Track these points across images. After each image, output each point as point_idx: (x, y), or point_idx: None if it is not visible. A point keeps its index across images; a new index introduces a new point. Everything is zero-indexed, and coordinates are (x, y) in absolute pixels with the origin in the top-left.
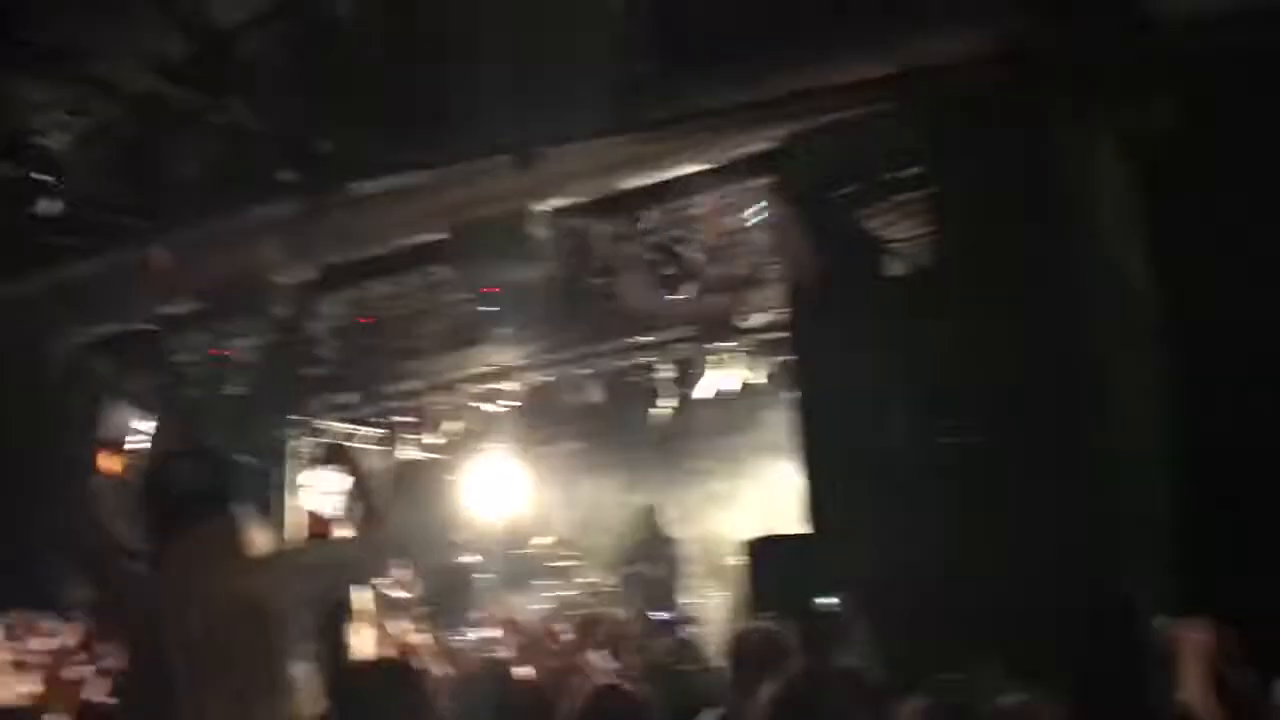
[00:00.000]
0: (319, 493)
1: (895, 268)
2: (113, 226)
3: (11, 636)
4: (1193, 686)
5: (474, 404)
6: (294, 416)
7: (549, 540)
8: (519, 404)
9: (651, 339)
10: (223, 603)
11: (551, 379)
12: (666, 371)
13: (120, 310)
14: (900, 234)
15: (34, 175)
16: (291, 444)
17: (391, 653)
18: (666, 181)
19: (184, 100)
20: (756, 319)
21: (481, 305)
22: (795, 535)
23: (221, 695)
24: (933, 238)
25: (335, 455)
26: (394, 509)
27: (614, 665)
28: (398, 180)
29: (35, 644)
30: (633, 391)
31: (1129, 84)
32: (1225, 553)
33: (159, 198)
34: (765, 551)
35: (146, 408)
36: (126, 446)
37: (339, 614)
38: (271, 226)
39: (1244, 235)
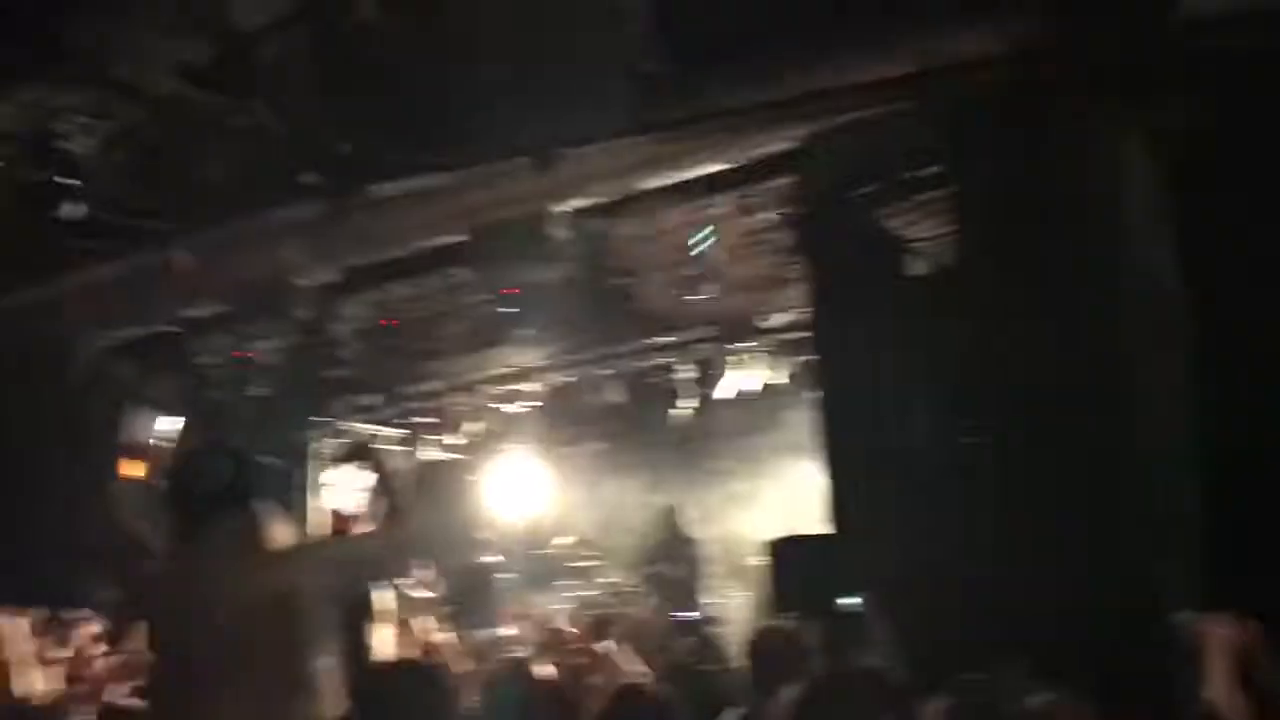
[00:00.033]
0: (341, 489)
1: (916, 267)
2: (135, 230)
3: (36, 634)
4: (1218, 682)
5: (495, 405)
6: (316, 418)
7: (570, 540)
8: (540, 405)
9: (672, 339)
10: (246, 598)
11: (572, 380)
12: (687, 372)
13: (143, 313)
14: (921, 233)
15: (57, 179)
16: (314, 445)
17: (414, 653)
18: (687, 182)
19: (206, 103)
20: (777, 319)
21: (502, 307)
22: (817, 535)
23: (245, 692)
24: (954, 237)
25: (357, 452)
26: (416, 505)
27: (636, 665)
28: (418, 182)
29: (59, 641)
30: (653, 392)
31: (1151, 82)
32: (1253, 550)
33: (181, 201)
34: (786, 552)
35: (169, 410)
36: (149, 449)
37: (362, 614)
38: (293, 229)
39: (1272, 235)
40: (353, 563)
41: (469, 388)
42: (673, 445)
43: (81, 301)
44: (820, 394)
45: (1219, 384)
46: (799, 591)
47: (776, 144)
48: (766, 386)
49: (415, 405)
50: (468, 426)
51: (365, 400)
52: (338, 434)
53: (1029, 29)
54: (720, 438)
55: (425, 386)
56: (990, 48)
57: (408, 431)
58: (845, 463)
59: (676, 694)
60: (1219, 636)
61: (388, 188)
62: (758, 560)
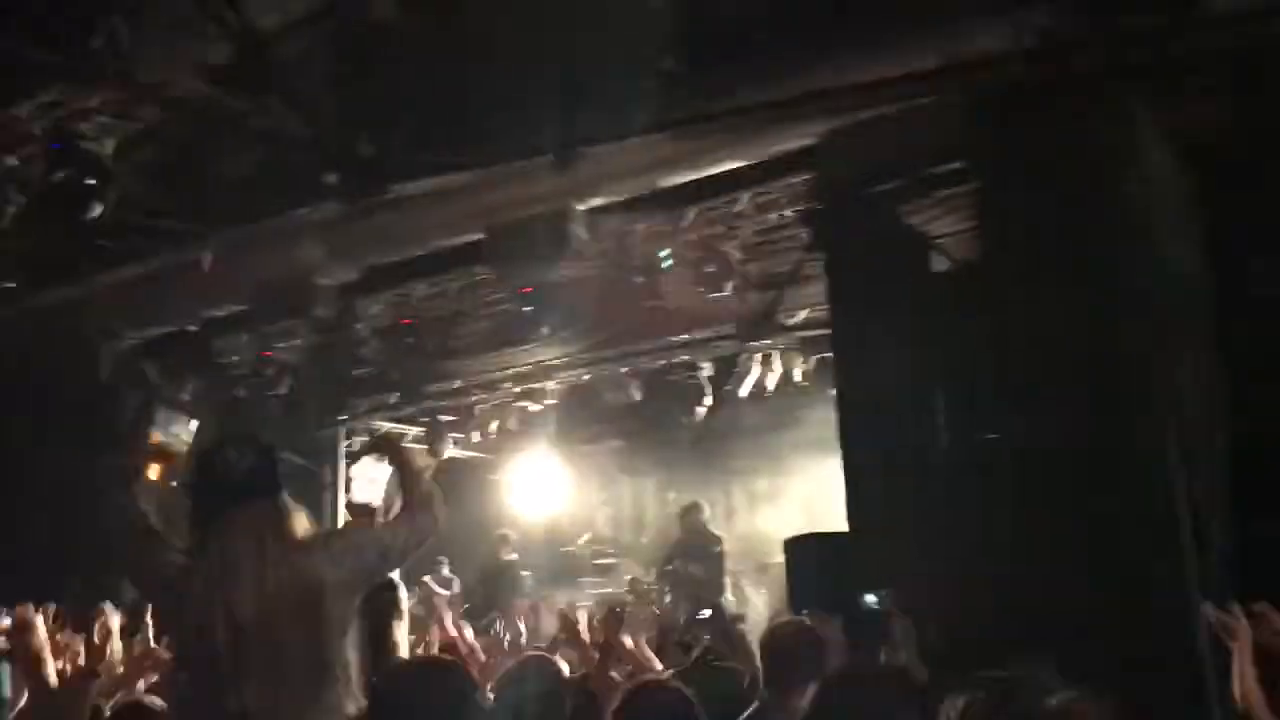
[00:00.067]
0: (362, 483)
1: (937, 264)
2: (158, 230)
3: (59, 628)
4: (1244, 673)
5: (515, 403)
6: (338, 416)
7: (590, 537)
8: (560, 403)
9: (693, 337)
10: (269, 587)
11: (592, 377)
12: (708, 370)
13: (167, 313)
14: (943, 230)
15: (82, 180)
16: (336, 443)
17: (434, 649)
18: (707, 179)
19: (228, 105)
20: (798, 316)
21: (522, 304)
22: (837, 533)
23: (268, 683)
24: (975, 233)
25: (377, 445)
26: (437, 496)
27: (654, 661)
28: (438, 182)
29: (82, 636)
30: (674, 390)
31: (1176, 78)
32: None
33: (203, 201)
34: (807, 549)
35: (193, 409)
36: (172, 447)
37: (381, 604)
38: (314, 228)
39: None
40: (374, 547)
41: (489, 386)
42: (693, 443)
43: (105, 301)
44: (841, 391)
45: (1245, 381)
46: (819, 589)
47: (797, 141)
48: (787, 384)
49: (435, 404)
50: (488, 424)
51: (386, 398)
52: (358, 432)
53: (1052, 25)
54: (741, 435)
55: (445, 385)
56: (1013, 43)
57: (428, 429)
58: (866, 460)
59: (695, 690)
60: (1243, 627)
61: (408, 187)
62: (778, 558)
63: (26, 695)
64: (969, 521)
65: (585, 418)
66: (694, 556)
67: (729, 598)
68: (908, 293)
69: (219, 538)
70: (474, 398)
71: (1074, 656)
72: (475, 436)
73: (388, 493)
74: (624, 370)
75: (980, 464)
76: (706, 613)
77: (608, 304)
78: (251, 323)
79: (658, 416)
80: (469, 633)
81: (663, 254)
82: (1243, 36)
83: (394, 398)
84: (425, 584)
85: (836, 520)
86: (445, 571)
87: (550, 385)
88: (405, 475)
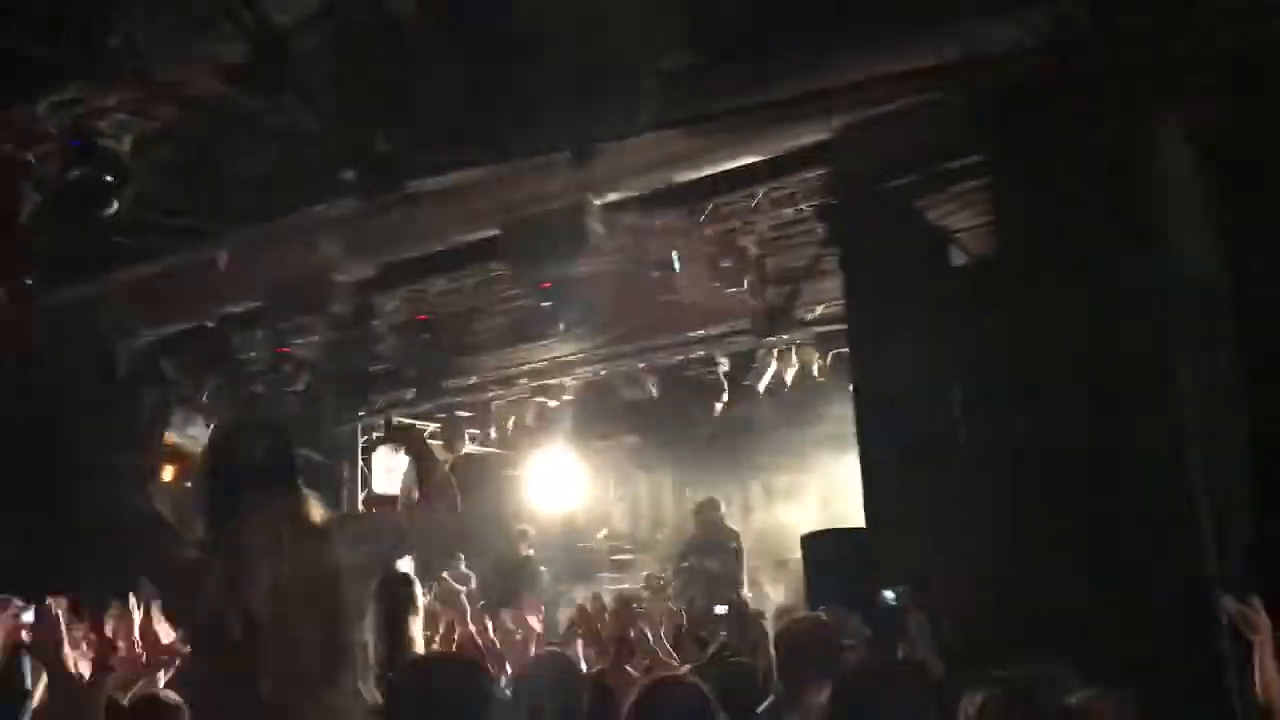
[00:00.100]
0: (378, 472)
1: (954, 258)
2: (176, 228)
3: (77, 620)
4: (1265, 664)
5: (532, 399)
6: (356, 413)
7: (607, 533)
8: (577, 398)
9: (709, 333)
10: (285, 576)
11: (609, 373)
12: (725, 365)
13: (184, 310)
14: (959, 224)
15: (99, 177)
16: (354, 439)
17: (451, 644)
18: (723, 174)
19: (245, 102)
20: (815, 311)
21: (539, 300)
22: (855, 529)
23: (285, 672)
24: (991, 228)
25: (393, 435)
26: (453, 487)
27: (671, 655)
28: (455, 178)
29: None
30: (691, 385)
31: (1190, 75)
32: None
33: (220, 199)
34: (824, 544)
35: (211, 405)
36: (189, 443)
37: (399, 604)
38: (331, 225)
39: None
40: (389, 532)
41: (506, 382)
42: (709, 439)
43: (122, 298)
44: (858, 386)
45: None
46: (835, 584)
47: (812, 136)
48: (804, 379)
49: (452, 400)
50: (505, 420)
51: (403, 394)
52: (375, 428)
53: (1066, 21)
54: (757, 431)
55: (462, 381)
56: (1026, 39)
57: (446, 425)
58: (883, 455)
59: (711, 685)
60: (1265, 622)
61: (425, 184)
62: (795, 553)
63: (45, 688)
64: (985, 517)
65: (602, 414)
66: (710, 552)
67: (746, 593)
68: (924, 287)
69: (234, 530)
70: (491, 394)
71: (1089, 652)
72: (492, 432)
73: (405, 484)
74: (641, 366)
75: (997, 459)
76: (723, 608)
77: (624, 300)
78: (268, 319)
79: (674, 412)
80: (484, 627)
81: (678, 250)
82: (1243, 36)
83: (411, 394)
84: (444, 580)
85: (854, 516)
86: (462, 567)
87: (567, 381)
88: (422, 464)
